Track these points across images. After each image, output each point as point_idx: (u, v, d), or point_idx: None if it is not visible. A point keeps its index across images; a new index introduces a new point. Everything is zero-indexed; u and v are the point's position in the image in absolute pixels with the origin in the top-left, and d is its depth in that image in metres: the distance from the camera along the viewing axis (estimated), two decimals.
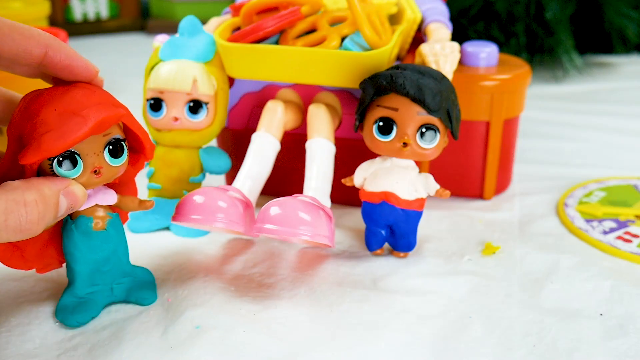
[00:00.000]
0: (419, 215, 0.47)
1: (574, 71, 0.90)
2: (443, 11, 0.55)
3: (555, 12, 0.87)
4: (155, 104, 0.50)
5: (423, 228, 0.52)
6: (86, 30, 1.10)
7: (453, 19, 0.85)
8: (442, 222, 0.54)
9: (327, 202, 0.46)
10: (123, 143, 0.37)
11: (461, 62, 0.56)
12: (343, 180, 0.49)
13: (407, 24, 0.53)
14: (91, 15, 1.10)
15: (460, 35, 0.88)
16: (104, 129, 0.36)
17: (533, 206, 0.57)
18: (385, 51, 0.48)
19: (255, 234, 0.42)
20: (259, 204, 0.51)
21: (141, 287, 0.42)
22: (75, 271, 0.40)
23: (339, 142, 0.50)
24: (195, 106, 0.50)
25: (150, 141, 0.39)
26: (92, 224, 0.39)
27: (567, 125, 0.75)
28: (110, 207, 0.40)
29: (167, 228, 0.52)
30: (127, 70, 0.92)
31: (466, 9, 0.88)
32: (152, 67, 0.51)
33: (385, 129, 0.45)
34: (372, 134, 0.45)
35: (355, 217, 0.54)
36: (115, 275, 0.41)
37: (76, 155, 0.35)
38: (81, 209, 0.38)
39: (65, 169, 0.35)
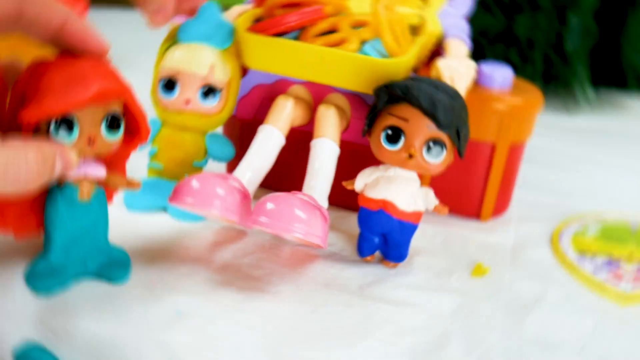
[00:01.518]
0: (414, 227, 0.47)
1: (586, 104, 0.90)
2: (464, 28, 0.55)
3: (575, 45, 0.87)
4: (169, 84, 0.50)
5: (416, 241, 0.51)
6: (105, 2, 1.10)
7: (473, 38, 0.85)
8: (436, 238, 0.54)
9: (324, 203, 0.46)
10: (121, 120, 0.38)
11: (475, 81, 0.56)
12: (344, 183, 0.49)
13: (428, 36, 0.52)
14: None
15: (477, 54, 0.88)
16: (105, 100, 0.36)
17: (528, 233, 0.57)
18: (404, 61, 0.48)
19: (249, 226, 0.42)
20: (257, 196, 0.51)
21: (115, 265, 0.42)
22: (52, 239, 0.40)
23: (344, 145, 0.50)
24: (209, 91, 0.50)
25: (147, 125, 0.40)
26: (77, 193, 0.39)
27: (572, 157, 0.75)
28: (98, 182, 0.40)
29: (164, 209, 0.52)
30: (140, 46, 0.92)
31: (486, 29, 0.88)
32: (168, 47, 0.51)
33: (393, 138, 0.45)
34: (379, 141, 0.45)
35: (350, 222, 0.54)
36: (91, 249, 0.41)
37: (74, 122, 0.36)
38: (70, 177, 0.39)
39: (62, 132, 0.36)
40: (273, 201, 0.40)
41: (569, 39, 0.87)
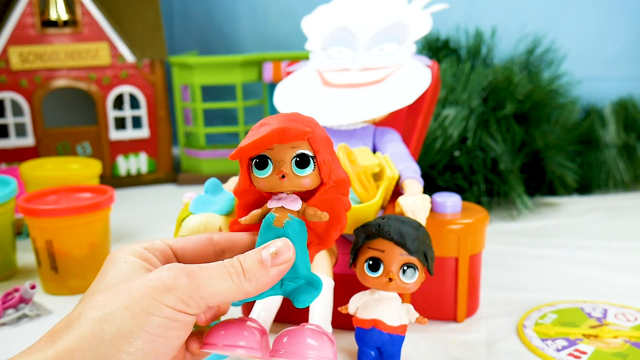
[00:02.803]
0: (402, 338, 0.48)
1: (526, 211, 0.93)
2: (415, 169, 0.58)
3: (507, 165, 0.91)
4: None
5: (406, 348, 0.52)
6: (129, 183, 1.14)
7: (424, 170, 0.89)
8: (422, 343, 0.55)
9: (328, 328, 0.47)
10: (311, 158, 0.37)
11: (432, 210, 0.59)
12: (339, 309, 0.50)
13: (388, 181, 0.55)
14: (133, 171, 1.14)
15: (431, 184, 0.91)
16: (288, 139, 0.36)
17: (497, 327, 0.57)
18: (373, 204, 0.51)
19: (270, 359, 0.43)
20: (272, 330, 0.52)
21: (305, 291, 0.39)
22: None
23: (336, 277, 0.52)
24: None
25: (329, 166, 0.38)
26: (273, 219, 0.38)
27: (523, 256, 0.76)
28: (297, 214, 0.39)
29: None
30: (161, 215, 0.95)
31: (435, 163, 0.92)
32: (183, 219, 0.53)
33: (374, 267, 0.47)
34: (363, 270, 0.48)
35: (349, 340, 0.55)
36: (289, 273, 0.38)
37: (268, 160, 0.37)
38: (270, 207, 0.39)
39: (258, 168, 0.37)
40: (287, 335, 0.42)
41: (502, 161, 0.91)
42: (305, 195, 0.39)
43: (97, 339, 0.31)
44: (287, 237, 0.38)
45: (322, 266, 0.50)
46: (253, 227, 0.41)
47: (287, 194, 0.39)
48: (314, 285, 0.39)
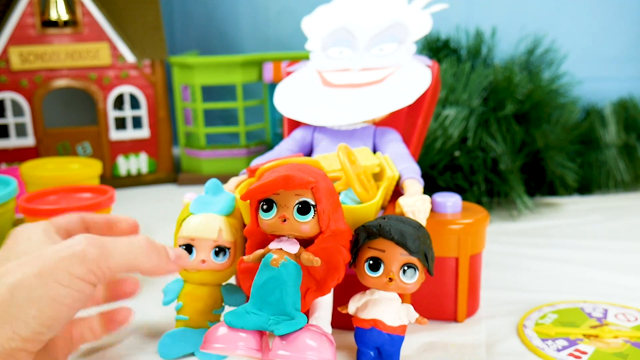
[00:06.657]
0: (401, 339, 0.48)
1: (527, 211, 0.92)
2: (415, 169, 0.58)
3: (507, 165, 0.91)
4: (187, 250, 0.52)
5: (405, 349, 0.52)
6: (129, 183, 1.14)
7: (424, 171, 0.89)
8: (421, 345, 0.54)
9: (328, 329, 0.47)
10: (312, 206, 0.41)
11: (432, 210, 0.59)
12: (339, 308, 0.50)
13: (388, 181, 0.55)
14: (133, 171, 1.14)
15: (431, 184, 0.91)
16: (292, 187, 0.40)
17: (497, 328, 0.57)
18: (373, 205, 0.51)
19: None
20: None
21: (285, 324, 0.42)
22: (252, 292, 0.43)
23: None
24: (219, 251, 0.52)
25: (328, 215, 0.43)
26: (271, 259, 0.42)
27: (524, 256, 0.76)
28: (294, 257, 0.43)
29: (193, 354, 0.52)
30: (161, 215, 0.95)
31: (435, 164, 0.92)
32: (183, 220, 0.53)
33: (374, 267, 0.47)
34: (363, 270, 0.47)
35: (349, 340, 0.55)
36: (278, 311, 0.42)
37: (274, 204, 0.41)
38: (271, 248, 0.43)
39: (264, 210, 0.42)
40: (287, 336, 0.42)
41: (502, 161, 0.91)
42: (307, 243, 0.43)
43: (7, 302, 0.36)
44: (280, 277, 0.42)
45: None
46: (257, 266, 0.44)
47: (288, 237, 0.43)
48: (296, 320, 0.42)
